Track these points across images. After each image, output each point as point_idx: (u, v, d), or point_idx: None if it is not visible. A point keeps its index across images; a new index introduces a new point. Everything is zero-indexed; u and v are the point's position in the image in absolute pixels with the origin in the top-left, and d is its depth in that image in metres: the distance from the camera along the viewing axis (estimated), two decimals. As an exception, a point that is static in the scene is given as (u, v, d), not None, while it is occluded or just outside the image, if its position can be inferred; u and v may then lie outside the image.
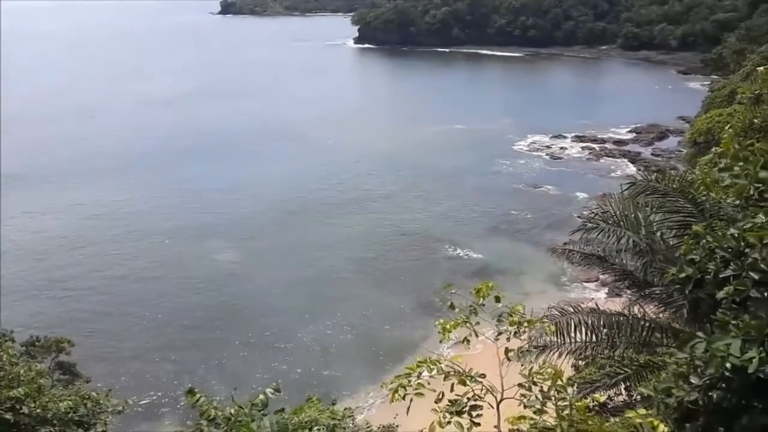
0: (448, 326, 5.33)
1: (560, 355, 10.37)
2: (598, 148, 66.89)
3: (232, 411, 5.24)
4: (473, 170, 59.59)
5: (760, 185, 5.58)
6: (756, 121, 8.79)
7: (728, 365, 4.74)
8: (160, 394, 27.28)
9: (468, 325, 5.35)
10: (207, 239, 44.21)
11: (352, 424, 7.09)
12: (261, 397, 5.81)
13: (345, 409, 7.26)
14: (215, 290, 37.35)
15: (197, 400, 5.17)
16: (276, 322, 33.57)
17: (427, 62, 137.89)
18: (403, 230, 45.75)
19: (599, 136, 71.18)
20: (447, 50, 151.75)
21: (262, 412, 5.73)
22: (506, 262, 39.44)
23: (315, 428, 6.40)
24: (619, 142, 69.11)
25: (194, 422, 5.53)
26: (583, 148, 67.80)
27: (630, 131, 72.84)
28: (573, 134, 72.36)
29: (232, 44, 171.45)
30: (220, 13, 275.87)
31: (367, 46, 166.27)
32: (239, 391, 6.12)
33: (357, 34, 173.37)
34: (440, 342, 5.53)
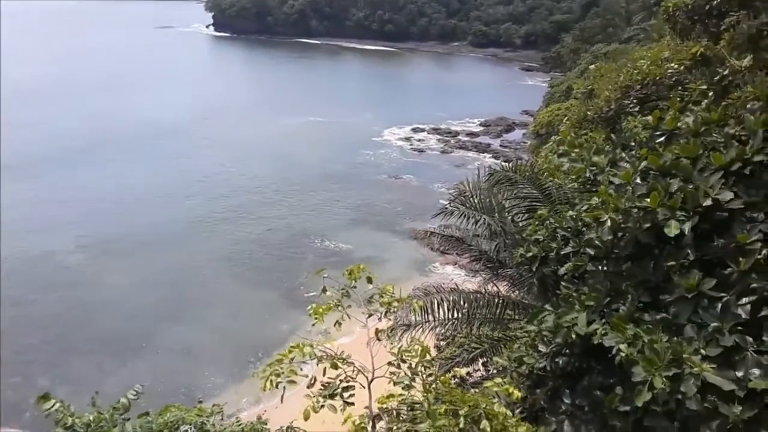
0: (321, 309, 5.38)
1: (424, 332, 10.91)
2: (452, 141, 70.35)
3: (92, 417, 4.88)
4: (335, 162, 60.02)
5: (594, 168, 6.27)
6: (589, 113, 9.83)
7: (573, 336, 5.31)
8: (4, 409, 24.47)
9: (340, 308, 5.44)
10: (53, 240, 40.30)
11: (221, 419, 6.88)
12: (122, 400, 5.48)
13: (213, 405, 7.04)
14: (61, 294, 34.19)
15: (52, 407, 4.73)
16: (133, 326, 31.48)
17: (286, 53, 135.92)
18: (268, 225, 44.95)
19: (453, 129, 74.90)
20: (306, 41, 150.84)
21: (123, 416, 5.40)
22: (372, 251, 40.28)
23: (182, 428, 6.15)
24: (471, 134, 73.25)
25: (46, 433, 5.07)
26: (438, 140, 70.95)
27: (481, 124, 77.44)
28: (430, 126, 75.43)
29: (76, 30, 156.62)
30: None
31: (222, 34, 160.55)
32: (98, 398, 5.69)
33: (211, 21, 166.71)
34: (312, 326, 5.56)
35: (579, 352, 5.87)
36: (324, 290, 5.61)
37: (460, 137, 71.83)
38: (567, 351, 6.00)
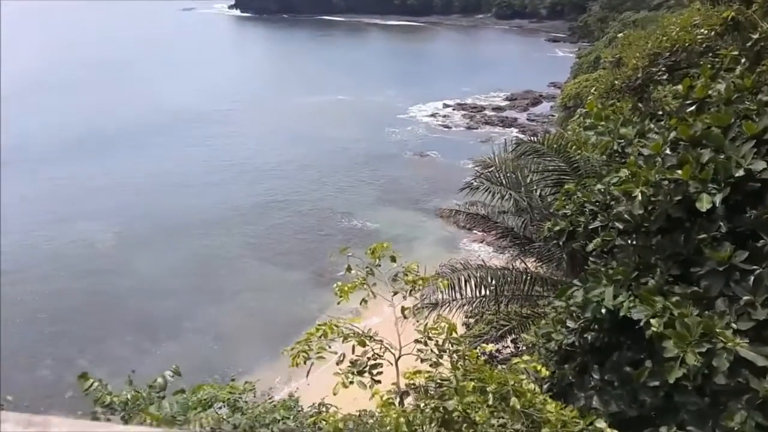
0: (346, 288, 5.43)
1: (451, 310, 10.92)
2: (478, 116, 69.53)
3: (129, 396, 5.03)
4: (361, 140, 59.94)
5: (622, 140, 6.14)
6: (617, 82, 9.59)
7: (602, 310, 5.25)
8: (41, 390, 25.40)
9: (366, 286, 5.48)
10: (80, 222, 41.26)
11: (254, 396, 7.02)
12: (159, 380, 5.62)
13: (245, 383, 7.19)
14: (92, 277, 35.10)
15: (90, 386, 4.89)
16: (165, 306, 32.21)
17: (309, 31, 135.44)
18: (294, 204, 45.29)
19: (479, 104, 73.97)
20: (328, 18, 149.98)
21: (160, 395, 5.55)
22: (399, 229, 40.33)
23: (215, 405, 6.30)
24: (497, 109, 72.27)
25: (85, 412, 5.24)
26: (464, 115, 70.19)
27: (506, 98, 76.31)
28: (455, 102, 74.62)
29: (97, 14, 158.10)
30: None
31: (244, 14, 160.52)
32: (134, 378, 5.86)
33: (233, 1, 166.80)
34: (338, 304, 5.62)
35: (608, 327, 5.82)
36: (348, 269, 5.65)
37: (485, 112, 70.95)
38: (596, 326, 5.96)
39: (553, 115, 64.31)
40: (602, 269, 5.53)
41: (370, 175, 51.07)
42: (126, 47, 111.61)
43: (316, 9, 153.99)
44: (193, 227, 41.27)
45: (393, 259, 5.76)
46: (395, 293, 5.71)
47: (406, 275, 5.74)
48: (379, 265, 5.75)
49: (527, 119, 67.78)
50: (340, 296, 5.51)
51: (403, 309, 5.66)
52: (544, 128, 57.74)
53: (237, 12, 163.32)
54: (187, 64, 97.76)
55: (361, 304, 5.58)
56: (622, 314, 4.93)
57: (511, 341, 14.40)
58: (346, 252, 5.76)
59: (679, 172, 5.12)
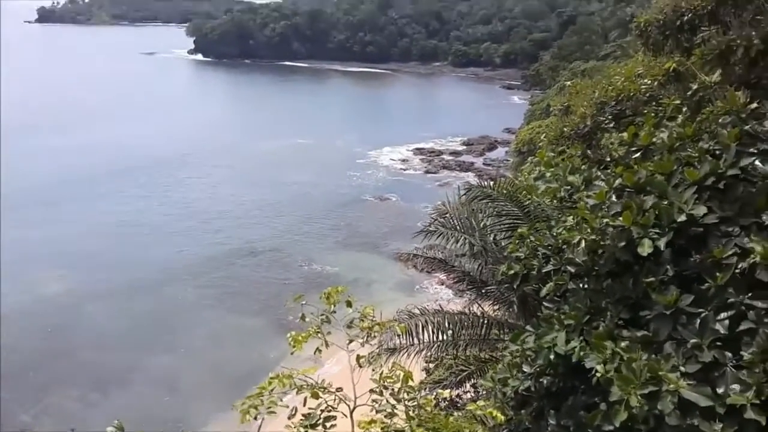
0: (299, 337, 5.30)
1: (409, 356, 10.81)
2: (436, 160, 70.77)
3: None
4: (320, 184, 60.06)
5: (569, 187, 6.30)
6: (566, 129, 9.94)
7: (552, 357, 5.27)
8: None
9: (320, 335, 5.37)
10: (30, 271, 39.61)
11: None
12: (99, 437, 5.33)
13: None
14: (39, 326, 33.52)
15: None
16: (116, 357, 30.92)
17: (269, 76, 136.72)
18: (252, 249, 44.70)
19: (437, 148, 75.41)
20: (289, 64, 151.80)
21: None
22: (358, 273, 40.15)
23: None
24: (455, 153, 73.76)
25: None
26: (422, 159, 71.33)
27: (464, 143, 78.04)
28: (414, 146, 75.87)
29: (55, 58, 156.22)
30: (37, 21, 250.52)
31: (205, 59, 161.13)
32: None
33: (193, 46, 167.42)
34: (291, 354, 5.47)
35: (563, 371, 5.82)
36: (303, 317, 5.54)
37: (443, 156, 72.27)
38: (551, 371, 5.95)
39: (508, 160, 65.91)
40: (555, 314, 5.58)
41: (330, 219, 51.03)
42: (85, 91, 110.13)
43: (277, 55, 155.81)
44: (150, 274, 40.15)
45: (349, 304, 5.68)
46: (351, 341, 5.61)
47: (362, 321, 5.66)
48: (335, 312, 5.66)
49: (483, 163, 69.24)
50: (294, 346, 5.38)
51: (358, 357, 5.55)
52: (499, 172, 59.02)
53: (199, 57, 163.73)
54: (148, 109, 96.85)
55: (315, 353, 5.46)
56: (574, 360, 4.95)
57: (471, 386, 14.30)
58: (301, 300, 5.66)
59: (621, 218, 5.27)
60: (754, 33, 7.56)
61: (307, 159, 68.66)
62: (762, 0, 8.86)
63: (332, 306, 5.63)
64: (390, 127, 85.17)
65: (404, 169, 67.40)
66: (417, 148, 75.28)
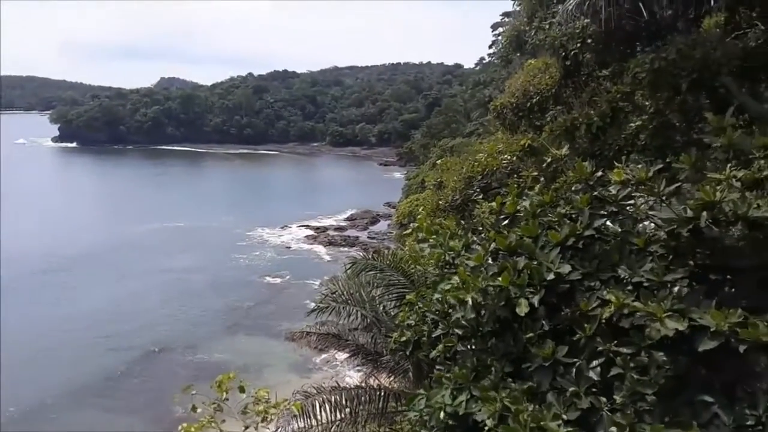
0: (192, 429, 5.07)
1: (309, 440, 10.48)
2: (322, 236, 71.12)
3: None
4: (201, 268, 57.72)
5: (451, 252, 6.74)
6: (440, 202, 10.63)
7: (442, 415, 5.47)
8: None
9: (213, 424, 5.17)
10: None
11: None
12: None
13: None
14: None
15: None
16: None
17: (140, 160, 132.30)
18: (130, 344, 41.44)
19: (321, 225, 75.99)
20: (162, 148, 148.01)
21: None
22: (248, 358, 38.46)
23: None
24: (339, 228, 74.64)
25: None
26: (308, 236, 71.36)
27: (347, 218, 79.42)
28: (298, 224, 75.90)
29: None
30: None
31: (70, 145, 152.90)
32: None
33: (57, 133, 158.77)
34: (184, 449, 5.19)
35: (461, 431, 5.99)
36: (194, 408, 5.32)
37: (329, 232, 72.82)
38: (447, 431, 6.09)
39: (391, 232, 67.69)
40: (445, 375, 5.82)
41: (213, 303, 48.90)
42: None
43: (150, 139, 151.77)
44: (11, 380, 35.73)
45: (242, 390, 5.55)
46: (246, 427, 5.45)
47: (256, 405, 5.53)
48: (227, 399, 5.49)
49: (368, 237, 70.56)
50: (186, 439, 5.13)
51: (255, 443, 5.39)
52: (383, 244, 60.33)
53: (65, 144, 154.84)
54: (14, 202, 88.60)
55: (209, 445, 5.22)
56: (461, 413, 5.17)
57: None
58: (190, 390, 5.44)
59: (500, 279, 5.72)
60: (592, 112, 8.72)
61: (185, 242, 66.03)
62: (596, 83, 10.28)
63: (224, 393, 5.47)
64: (273, 206, 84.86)
65: (290, 247, 66.90)
66: (301, 225, 75.38)
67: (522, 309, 5.44)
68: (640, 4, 9.19)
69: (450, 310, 7.01)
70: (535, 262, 6.02)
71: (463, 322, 6.43)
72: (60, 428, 31.23)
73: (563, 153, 7.83)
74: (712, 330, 4.67)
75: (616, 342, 5.27)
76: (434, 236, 6.86)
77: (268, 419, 5.59)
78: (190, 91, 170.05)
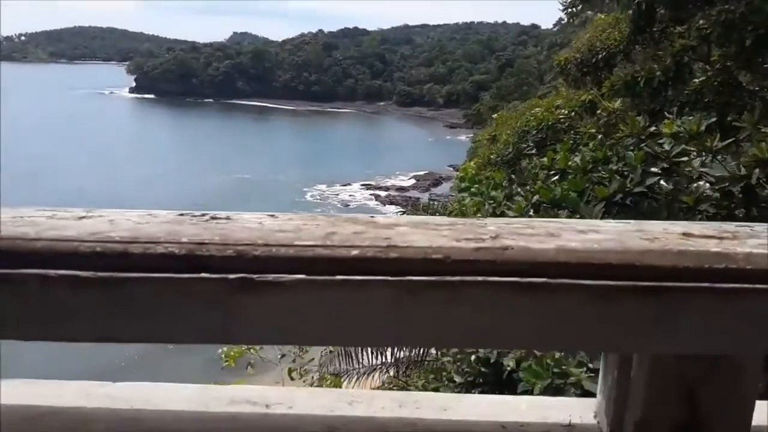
0: (232, 353, 5.33)
1: (350, 381, 10.81)
2: (383, 195, 71.56)
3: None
4: (265, 220, 59.45)
5: (492, 201, 6.74)
6: (492, 156, 10.51)
7: (473, 358, 5.61)
8: None
9: (251, 350, 5.41)
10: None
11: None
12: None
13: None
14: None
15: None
16: None
17: (212, 113, 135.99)
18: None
19: (383, 184, 76.35)
20: (233, 102, 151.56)
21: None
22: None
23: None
24: (401, 189, 74.81)
25: None
26: (370, 195, 71.99)
27: (410, 179, 79.38)
28: (360, 183, 76.56)
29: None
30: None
31: (146, 96, 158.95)
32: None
33: (134, 84, 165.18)
34: (222, 369, 5.48)
35: (492, 377, 6.08)
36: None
37: (390, 192, 73.14)
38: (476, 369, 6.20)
39: (452, 195, 67.28)
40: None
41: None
42: (25, 136, 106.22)
43: (221, 93, 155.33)
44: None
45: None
46: (283, 355, 5.68)
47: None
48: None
49: (429, 199, 70.29)
50: (226, 361, 5.39)
51: (290, 371, 5.62)
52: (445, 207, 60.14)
53: (140, 95, 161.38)
54: (95, 151, 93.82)
55: (247, 369, 5.50)
56: (492, 361, 5.26)
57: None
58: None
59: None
60: (656, 66, 8.33)
61: (251, 193, 67.85)
62: (668, 40, 9.76)
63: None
64: (336, 164, 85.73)
65: (351, 205, 67.75)
66: (364, 184, 76.00)
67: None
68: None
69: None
70: (577, 216, 5.93)
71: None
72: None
73: (616, 107, 7.55)
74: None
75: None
76: (476, 185, 6.85)
77: (305, 350, 5.80)
78: (261, 47, 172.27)
